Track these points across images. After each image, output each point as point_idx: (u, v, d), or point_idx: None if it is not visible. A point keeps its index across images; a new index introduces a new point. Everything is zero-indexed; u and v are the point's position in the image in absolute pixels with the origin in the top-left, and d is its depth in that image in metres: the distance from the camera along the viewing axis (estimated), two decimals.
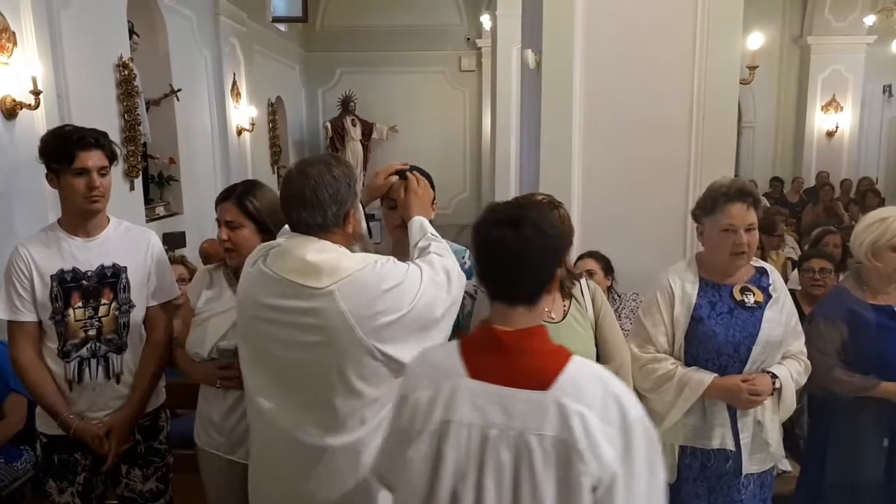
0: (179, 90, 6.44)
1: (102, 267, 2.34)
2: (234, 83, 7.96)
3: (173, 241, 6.15)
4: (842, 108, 11.09)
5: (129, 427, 2.40)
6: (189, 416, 2.85)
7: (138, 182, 5.60)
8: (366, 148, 11.25)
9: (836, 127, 11.13)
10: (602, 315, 2.14)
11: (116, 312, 2.36)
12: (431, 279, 1.79)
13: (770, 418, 2.22)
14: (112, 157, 2.33)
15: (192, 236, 6.59)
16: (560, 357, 1.36)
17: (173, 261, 3.67)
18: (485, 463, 1.29)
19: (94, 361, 2.33)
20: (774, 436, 2.25)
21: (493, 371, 1.34)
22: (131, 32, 5.77)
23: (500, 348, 1.36)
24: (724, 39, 3.09)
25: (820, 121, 11.20)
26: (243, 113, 8.24)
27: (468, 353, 1.39)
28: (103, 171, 2.29)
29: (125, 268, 2.37)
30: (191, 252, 5.33)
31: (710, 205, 2.23)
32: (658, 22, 3.11)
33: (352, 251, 1.82)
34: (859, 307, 2.46)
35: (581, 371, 1.35)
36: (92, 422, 2.33)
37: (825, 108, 11.13)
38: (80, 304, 2.30)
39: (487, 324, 1.41)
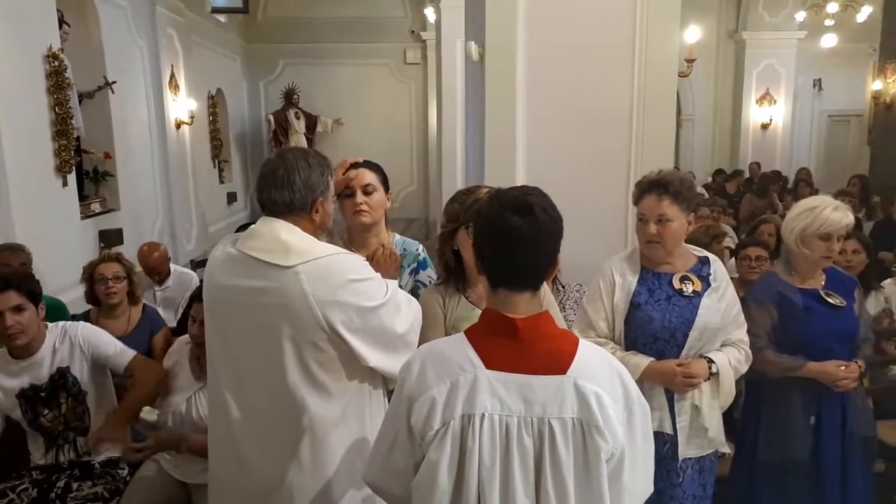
0: (114, 82, 6.24)
1: (51, 376, 2.61)
2: (173, 75, 7.75)
3: (110, 238, 5.97)
4: (775, 101, 11.51)
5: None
6: None
7: (72, 178, 5.39)
8: (310, 141, 11.08)
9: (770, 119, 11.54)
10: (545, 305, 2.16)
11: (74, 404, 2.64)
12: (397, 292, 1.85)
13: (708, 404, 2.27)
14: (31, 293, 2.52)
15: (130, 233, 6.41)
16: (571, 339, 1.40)
17: (109, 258, 3.51)
18: (510, 451, 1.30)
19: (66, 447, 2.67)
20: (713, 422, 2.29)
21: (511, 359, 1.34)
22: (61, 22, 5.53)
23: (516, 335, 1.35)
24: (663, 32, 3.14)
25: (755, 113, 11.60)
26: (182, 106, 8.04)
27: (479, 343, 1.37)
28: (20, 308, 2.47)
29: (67, 367, 2.63)
30: (127, 249, 5.16)
31: (634, 196, 2.34)
32: (599, 14, 3.13)
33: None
34: (788, 291, 2.56)
35: (591, 352, 1.39)
36: None
37: (760, 101, 11.53)
38: (45, 410, 2.61)
39: (495, 312, 1.39)
